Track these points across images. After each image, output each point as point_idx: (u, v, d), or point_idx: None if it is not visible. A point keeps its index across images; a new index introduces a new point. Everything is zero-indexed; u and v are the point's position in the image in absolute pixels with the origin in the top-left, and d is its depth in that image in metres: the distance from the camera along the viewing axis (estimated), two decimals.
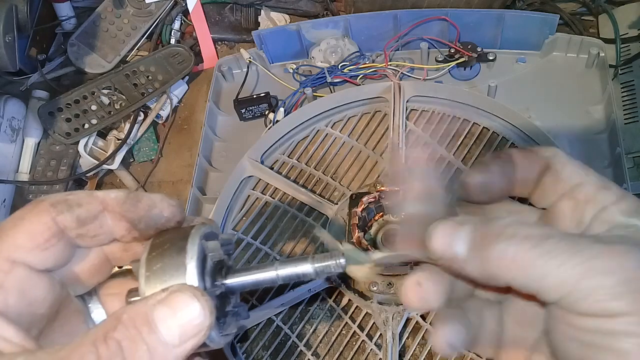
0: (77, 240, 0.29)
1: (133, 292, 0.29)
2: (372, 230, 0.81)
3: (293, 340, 0.75)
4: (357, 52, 0.98)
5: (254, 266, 0.31)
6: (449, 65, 0.94)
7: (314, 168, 0.87)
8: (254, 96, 0.98)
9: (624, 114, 0.89)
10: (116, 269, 0.34)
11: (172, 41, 1.09)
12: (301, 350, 0.74)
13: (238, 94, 0.99)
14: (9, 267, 0.26)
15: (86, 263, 0.31)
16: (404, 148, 0.84)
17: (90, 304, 0.33)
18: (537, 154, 0.30)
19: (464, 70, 0.96)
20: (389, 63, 0.95)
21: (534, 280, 0.24)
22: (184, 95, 1.08)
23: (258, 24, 1.11)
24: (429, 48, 0.97)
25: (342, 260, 0.30)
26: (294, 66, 1.01)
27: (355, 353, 0.73)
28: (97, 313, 0.33)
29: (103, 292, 0.33)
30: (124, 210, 0.29)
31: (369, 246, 0.75)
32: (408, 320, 0.74)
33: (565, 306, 0.24)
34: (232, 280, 0.30)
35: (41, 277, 0.28)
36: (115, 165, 0.99)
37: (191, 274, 0.27)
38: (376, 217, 0.82)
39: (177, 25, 1.10)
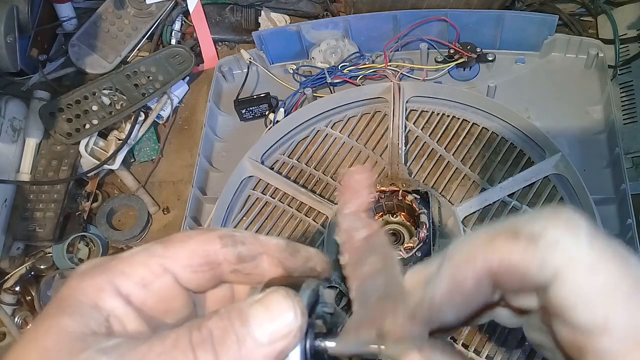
0: (230, 275, 0.30)
1: None
2: None
3: None
4: (357, 52, 0.98)
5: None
6: (448, 66, 0.94)
7: (314, 168, 0.87)
8: (254, 96, 0.98)
9: (623, 115, 0.89)
10: None
11: (173, 42, 1.10)
12: None
13: (238, 94, 0.99)
14: (160, 273, 0.28)
15: (217, 293, 0.32)
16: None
17: None
18: (527, 278, 0.24)
19: (464, 70, 0.96)
20: (388, 64, 0.95)
21: None
22: (184, 95, 1.08)
23: (258, 25, 1.11)
24: (428, 49, 0.98)
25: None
26: (294, 67, 1.01)
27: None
28: None
29: None
30: (282, 258, 0.30)
31: None
32: None
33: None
34: (330, 343, 0.28)
35: (182, 293, 0.29)
36: (116, 165, 0.99)
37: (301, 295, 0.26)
38: (376, 217, 0.82)
39: (177, 26, 1.11)
